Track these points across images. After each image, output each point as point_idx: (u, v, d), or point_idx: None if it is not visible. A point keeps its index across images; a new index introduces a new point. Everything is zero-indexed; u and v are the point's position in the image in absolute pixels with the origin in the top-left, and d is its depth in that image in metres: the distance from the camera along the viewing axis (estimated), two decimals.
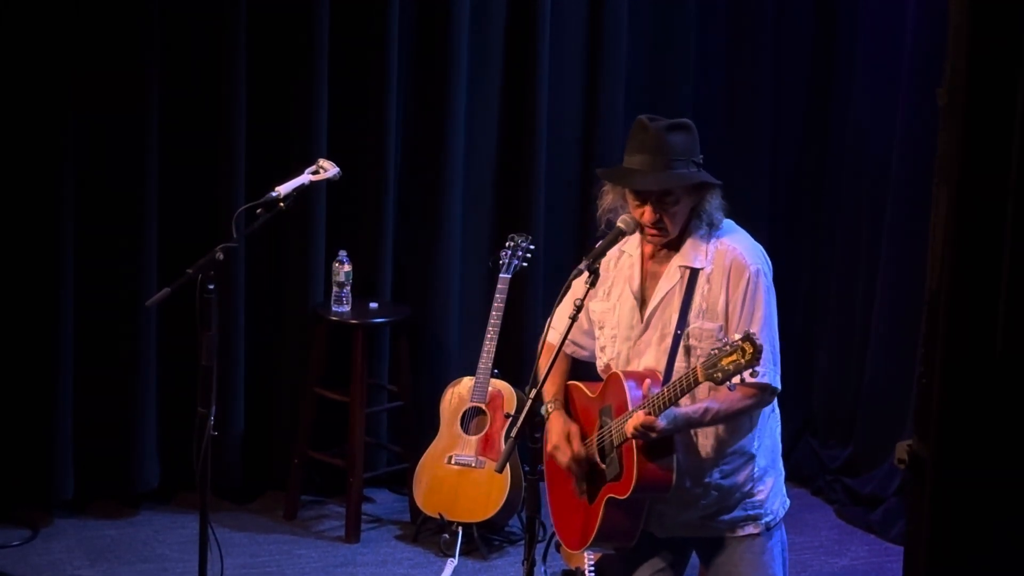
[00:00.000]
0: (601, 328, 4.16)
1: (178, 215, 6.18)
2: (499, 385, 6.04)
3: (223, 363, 5.98)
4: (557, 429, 4.14)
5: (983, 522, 2.54)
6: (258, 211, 4.43)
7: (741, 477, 4.08)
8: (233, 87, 6.13)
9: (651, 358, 4.02)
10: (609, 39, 6.59)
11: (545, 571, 5.67)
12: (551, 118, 6.57)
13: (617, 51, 6.61)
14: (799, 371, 6.65)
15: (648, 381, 3.94)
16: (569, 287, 3.96)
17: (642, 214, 3.98)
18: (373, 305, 6.24)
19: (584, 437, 4.12)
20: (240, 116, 6.16)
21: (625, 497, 3.96)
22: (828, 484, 6.66)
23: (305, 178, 4.58)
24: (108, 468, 6.21)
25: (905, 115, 6.22)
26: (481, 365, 6.00)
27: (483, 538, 6.00)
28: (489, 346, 5.98)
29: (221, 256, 4.32)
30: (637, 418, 3.86)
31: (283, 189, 4.48)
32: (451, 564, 5.85)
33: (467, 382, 6.07)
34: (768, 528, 4.13)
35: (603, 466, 4.05)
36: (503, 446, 5.89)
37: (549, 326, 4.14)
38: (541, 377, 3.95)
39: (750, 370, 3.71)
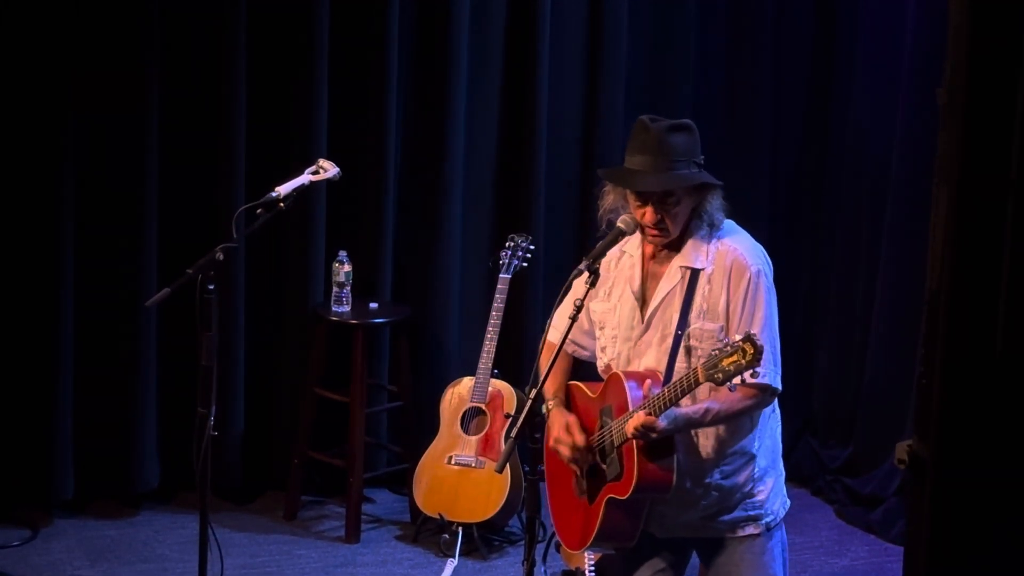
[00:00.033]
0: (602, 328, 4.16)
1: (178, 215, 6.18)
2: (499, 385, 6.04)
3: (223, 363, 5.98)
4: (557, 423, 4.14)
5: (983, 522, 2.54)
6: (258, 211, 4.43)
7: (741, 477, 4.08)
8: (233, 87, 6.13)
9: (652, 358, 4.02)
10: (609, 39, 6.59)
11: (545, 571, 5.67)
12: (551, 118, 6.57)
13: (617, 51, 6.61)
14: (799, 371, 6.65)
15: (649, 381, 3.94)
16: (570, 287, 3.96)
17: (643, 215, 3.98)
18: (373, 305, 6.24)
19: (583, 429, 4.12)
20: (240, 116, 6.16)
21: (625, 497, 3.96)
22: (828, 484, 6.66)
23: (305, 178, 4.58)
24: (108, 468, 6.21)
25: (905, 115, 6.22)
26: (481, 365, 6.00)
27: (483, 538, 6.00)
28: (489, 346, 5.99)
29: (221, 256, 4.32)
30: (638, 418, 3.86)
31: (283, 189, 4.48)
32: (451, 564, 5.85)
33: (467, 382, 6.07)
34: (768, 528, 4.13)
35: (603, 466, 4.05)
36: (503, 446, 5.89)
37: (550, 325, 4.14)
38: (542, 376, 3.94)
39: (751, 371, 3.71)
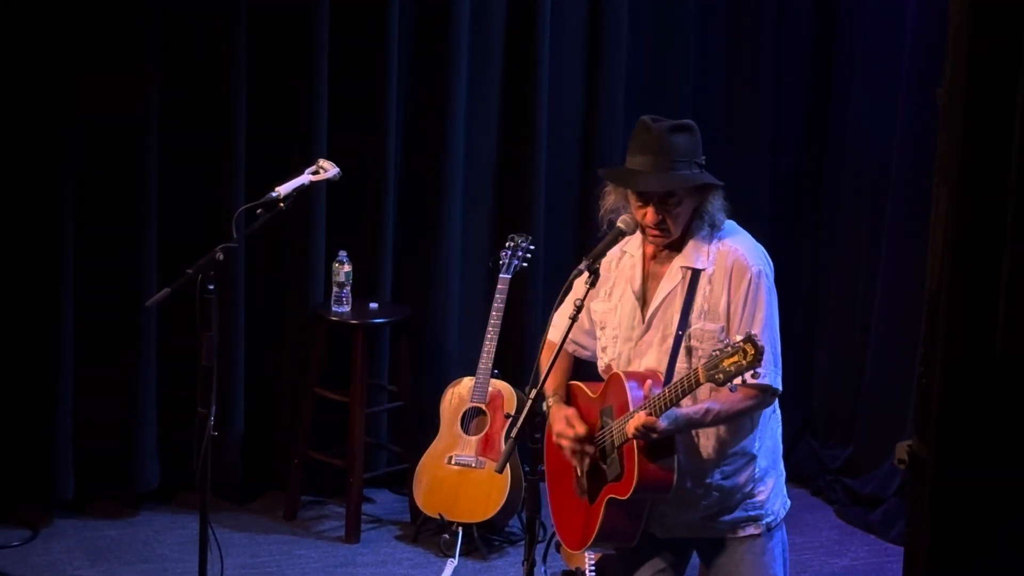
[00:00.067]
0: (602, 328, 4.16)
1: (178, 215, 6.18)
2: (499, 385, 6.04)
3: (223, 363, 5.98)
4: (557, 417, 4.14)
5: (983, 522, 2.54)
6: (258, 211, 4.43)
7: (742, 478, 4.08)
8: (233, 87, 6.13)
9: (652, 359, 4.02)
10: (609, 39, 6.59)
11: (545, 571, 5.67)
12: (551, 118, 6.57)
13: (617, 51, 6.61)
14: (799, 371, 6.65)
15: (649, 382, 3.94)
16: (570, 287, 3.96)
17: (644, 215, 3.98)
18: (373, 305, 6.24)
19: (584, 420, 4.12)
20: (240, 116, 6.16)
21: (626, 498, 3.96)
22: (828, 484, 6.66)
23: (305, 178, 4.58)
24: (108, 468, 6.21)
25: (905, 115, 6.22)
26: (481, 365, 6.00)
27: (483, 538, 6.00)
28: (489, 346, 5.98)
29: (221, 256, 4.32)
30: (638, 419, 3.86)
31: (283, 189, 4.48)
32: (451, 564, 5.85)
33: (467, 382, 6.07)
34: (769, 529, 4.13)
35: (604, 466, 4.05)
36: (503, 446, 5.89)
37: (551, 325, 4.14)
38: (542, 374, 3.94)
39: (752, 371, 3.71)
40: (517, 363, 6.43)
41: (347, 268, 6.16)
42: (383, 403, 6.50)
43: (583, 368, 4.32)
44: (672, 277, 4.03)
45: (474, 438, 6.01)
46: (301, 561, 5.94)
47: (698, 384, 3.81)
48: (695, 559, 4.26)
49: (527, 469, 4.67)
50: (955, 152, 2.48)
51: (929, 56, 5.95)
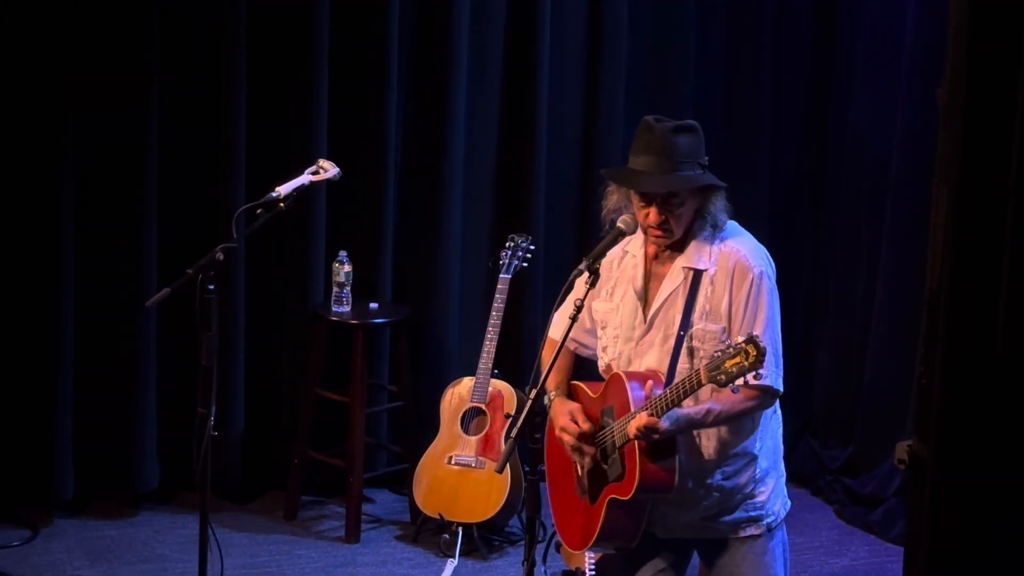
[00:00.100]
0: (603, 328, 4.16)
1: (178, 215, 6.18)
2: (499, 385, 6.04)
3: (223, 363, 5.98)
4: (561, 412, 4.14)
5: (983, 522, 2.54)
6: (258, 211, 4.43)
7: (743, 478, 4.08)
8: (233, 87, 6.13)
9: (653, 359, 4.02)
10: (609, 39, 6.59)
11: (545, 571, 5.67)
12: (551, 118, 6.56)
13: (617, 51, 6.61)
14: (799, 371, 6.64)
15: (650, 382, 3.94)
16: (571, 286, 3.96)
17: (647, 215, 3.98)
18: (373, 305, 6.24)
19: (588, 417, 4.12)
20: (240, 116, 6.16)
21: (628, 498, 3.96)
22: (828, 484, 6.66)
23: (305, 178, 4.58)
24: (108, 468, 6.21)
25: (905, 115, 6.22)
26: (481, 365, 6.00)
27: (483, 538, 6.00)
28: (489, 346, 5.98)
29: (221, 256, 4.32)
30: (640, 419, 3.86)
31: (283, 189, 4.48)
32: (451, 564, 5.85)
33: (467, 382, 6.07)
34: (769, 529, 4.13)
35: (605, 466, 4.05)
36: (503, 446, 5.88)
37: (552, 323, 4.14)
38: (544, 371, 3.94)
39: (753, 372, 3.71)
40: (517, 363, 6.43)
41: (347, 268, 6.16)
42: (383, 403, 6.50)
43: (583, 368, 4.32)
44: (674, 277, 4.03)
45: (474, 438, 6.01)
46: (301, 561, 5.94)
47: (700, 385, 3.81)
48: (695, 559, 4.26)
49: (527, 469, 4.66)
50: (955, 152, 2.48)
51: (929, 56, 5.95)
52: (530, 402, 3.84)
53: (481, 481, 5.94)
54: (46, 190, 5.96)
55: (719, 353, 3.77)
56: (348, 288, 6.16)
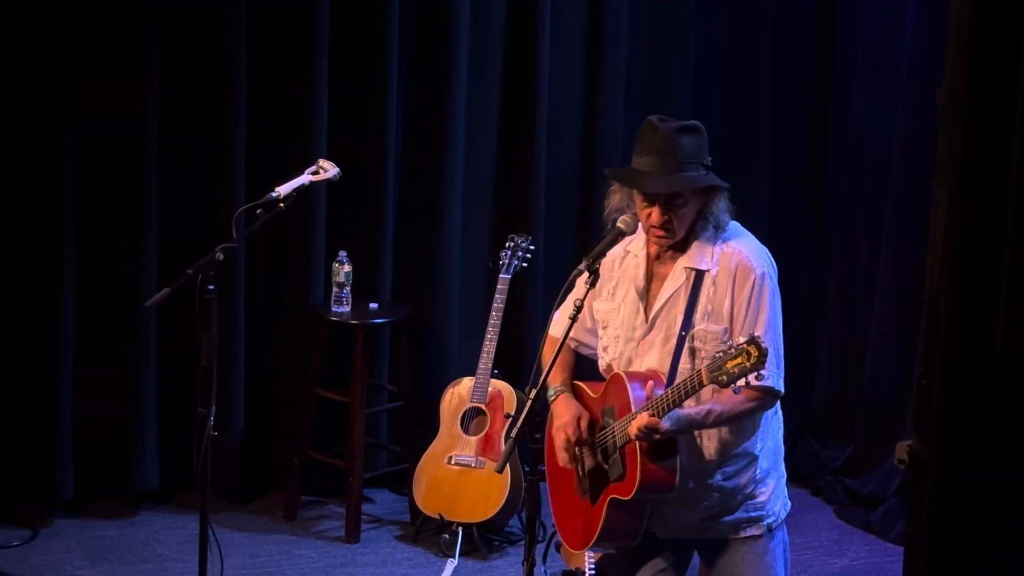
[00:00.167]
0: (605, 328, 4.16)
1: (178, 215, 6.18)
2: (499, 385, 6.04)
3: (223, 363, 5.98)
4: (570, 410, 4.13)
5: (983, 522, 2.54)
6: (258, 211, 4.43)
7: (743, 479, 4.08)
8: (233, 87, 6.13)
9: (654, 359, 4.02)
10: (609, 39, 6.59)
11: (545, 571, 5.67)
12: (551, 118, 6.56)
13: (617, 51, 6.61)
14: (799, 371, 6.64)
15: (651, 382, 3.94)
16: (571, 286, 3.95)
17: (649, 215, 3.98)
18: (373, 305, 6.24)
19: (593, 431, 4.11)
20: (240, 116, 6.16)
21: (628, 498, 3.96)
22: (828, 484, 6.66)
23: (305, 178, 4.58)
24: (108, 468, 6.21)
25: (905, 115, 6.22)
26: (481, 365, 6.00)
27: (483, 538, 6.00)
28: (489, 346, 5.98)
29: (221, 256, 4.32)
30: (641, 419, 3.86)
31: (283, 189, 4.48)
32: (451, 564, 5.85)
33: (467, 382, 6.07)
34: (770, 529, 4.13)
35: (606, 467, 4.05)
36: (503, 446, 5.88)
37: (552, 321, 4.13)
38: (545, 368, 3.94)
39: (755, 373, 3.71)
40: (517, 363, 6.43)
41: (347, 268, 6.16)
42: (383, 403, 6.50)
43: (583, 367, 4.32)
44: (676, 278, 4.02)
45: (474, 438, 6.01)
46: (301, 561, 5.94)
47: (701, 386, 3.81)
48: (696, 559, 4.26)
49: (527, 469, 4.66)
50: (955, 152, 2.48)
51: (929, 56, 5.95)
52: (530, 402, 3.84)
53: (481, 481, 5.94)
54: (46, 190, 5.96)
55: (721, 354, 3.77)
56: (348, 288, 6.16)
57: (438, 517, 5.99)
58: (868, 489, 6.42)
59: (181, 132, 6.16)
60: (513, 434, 3.92)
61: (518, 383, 6.06)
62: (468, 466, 5.99)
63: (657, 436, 3.86)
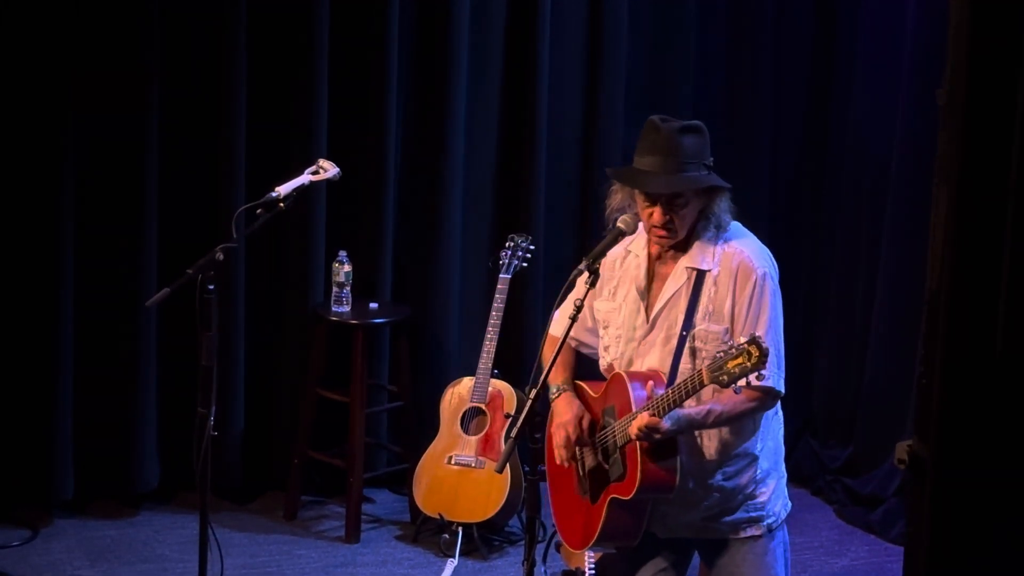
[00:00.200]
0: (606, 328, 4.16)
1: (178, 215, 6.18)
2: (499, 385, 6.04)
3: (223, 363, 5.98)
4: (572, 408, 4.13)
5: (983, 522, 2.54)
6: (258, 211, 4.43)
7: (744, 479, 4.08)
8: (233, 87, 6.13)
9: (655, 359, 4.02)
10: (609, 39, 6.59)
11: (545, 571, 5.67)
12: (551, 118, 6.56)
13: (617, 51, 6.61)
14: (799, 371, 6.62)
15: (651, 382, 3.94)
16: (572, 286, 3.95)
17: (651, 215, 3.98)
18: (373, 305, 6.24)
19: (594, 431, 4.11)
20: (240, 116, 6.16)
21: (629, 498, 3.96)
22: (828, 484, 6.66)
23: (305, 178, 4.58)
24: (108, 468, 6.21)
25: (905, 115, 6.22)
26: (481, 365, 6.00)
27: (483, 538, 6.00)
28: (489, 346, 5.98)
29: (221, 256, 4.32)
30: (641, 419, 3.86)
31: (283, 189, 4.48)
32: (451, 564, 5.85)
33: (467, 382, 6.07)
34: (770, 530, 4.13)
35: (606, 466, 4.05)
36: (503, 446, 5.88)
37: (552, 320, 4.13)
38: (545, 368, 3.94)
39: (756, 373, 3.71)
40: (517, 363, 6.43)
41: (347, 268, 6.16)
42: (383, 403, 6.50)
43: (584, 367, 4.32)
44: (677, 278, 4.02)
45: (474, 438, 6.01)
46: (301, 561, 5.94)
47: (702, 386, 3.81)
48: (696, 559, 4.26)
49: (527, 469, 4.66)
50: (955, 152, 2.48)
51: (929, 56, 5.95)
52: (530, 402, 3.84)
53: (481, 481, 5.94)
54: (46, 190, 5.96)
55: (721, 354, 3.77)
56: (348, 288, 6.16)
57: (438, 517, 5.99)
58: (868, 489, 6.42)
59: (181, 132, 6.16)
60: (513, 434, 3.92)
61: (518, 383, 6.07)
62: (468, 466, 5.99)
63: (657, 436, 3.87)
